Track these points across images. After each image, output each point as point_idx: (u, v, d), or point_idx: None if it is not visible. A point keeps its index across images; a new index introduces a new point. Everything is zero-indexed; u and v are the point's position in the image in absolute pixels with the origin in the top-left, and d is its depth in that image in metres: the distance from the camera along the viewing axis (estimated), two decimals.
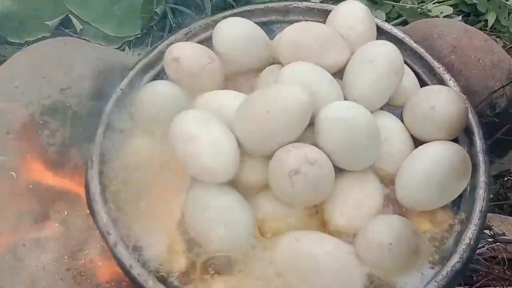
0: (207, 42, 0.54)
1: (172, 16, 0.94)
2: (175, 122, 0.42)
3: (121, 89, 0.49)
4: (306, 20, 0.56)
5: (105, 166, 0.45)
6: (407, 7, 0.94)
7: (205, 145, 0.41)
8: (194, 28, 0.55)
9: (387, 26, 0.55)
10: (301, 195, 0.40)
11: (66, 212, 0.53)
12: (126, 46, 1.00)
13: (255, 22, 0.54)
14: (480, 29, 0.97)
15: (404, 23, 0.94)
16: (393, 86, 0.47)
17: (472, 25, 0.96)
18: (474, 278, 0.65)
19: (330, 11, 0.55)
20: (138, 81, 0.51)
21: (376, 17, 0.95)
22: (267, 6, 0.57)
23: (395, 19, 0.96)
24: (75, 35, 1.01)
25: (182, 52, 0.49)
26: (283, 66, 0.49)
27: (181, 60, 0.49)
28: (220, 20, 0.53)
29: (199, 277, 0.40)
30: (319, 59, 0.48)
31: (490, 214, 0.67)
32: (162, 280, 0.39)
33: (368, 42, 0.49)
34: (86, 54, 0.55)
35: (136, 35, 0.99)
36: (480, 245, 0.66)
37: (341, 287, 0.38)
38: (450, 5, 0.96)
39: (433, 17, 0.91)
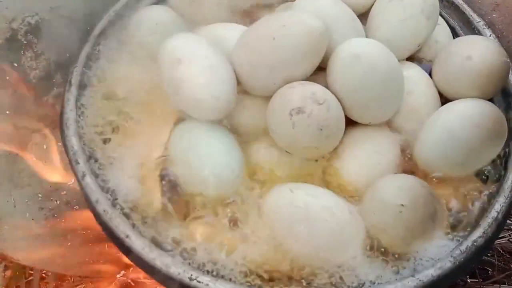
0: None
1: None
2: (165, 44, 0.37)
3: (114, 11, 0.44)
4: None
5: (85, 91, 0.40)
6: None
7: (196, 73, 0.35)
8: None
9: None
10: (302, 139, 0.34)
11: (44, 146, 0.48)
12: None
13: None
14: None
15: None
16: (424, 32, 0.40)
17: None
18: (490, 272, 0.59)
19: None
20: (135, 4, 0.45)
21: None
22: None
23: None
24: None
25: None
26: None
27: None
28: None
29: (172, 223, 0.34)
30: None
31: None
32: (132, 221, 0.34)
33: None
34: None
35: None
36: (500, 236, 0.60)
37: (335, 247, 0.32)
38: None
39: None
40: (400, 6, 0.39)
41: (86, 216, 0.46)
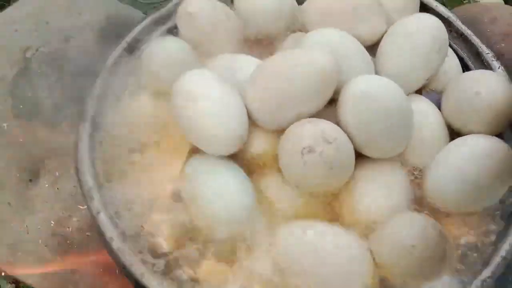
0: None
1: None
2: (178, 81, 0.37)
3: (127, 42, 0.45)
4: None
5: (100, 124, 0.41)
6: None
7: (209, 110, 0.36)
8: None
9: (432, 3, 0.49)
10: (313, 177, 0.35)
11: (57, 173, 0.48)
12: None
13: None
14: None
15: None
16: (434, 66, 0.41)
17: None
18: None
19: None
20: (147, 35, 0.46)
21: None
22: None
23: None
24: None
25: (198, 6, 0.44)
26: None
27: (195, 16, 0.43)
28: None
29: (185, 258, 0.35)
30: (351, 30, 0.42)
31: None
32: (143, 258, 0.34)
33: (409, 14, 0.43)
34: (96, 3, 0.50)
35: (162, 1, 0.95)
36: None
37: (344, 286, 0.33)
38: None
39: None
40: (410, 40, 0.40)
41: (98, 242, 0.47)
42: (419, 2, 0.47)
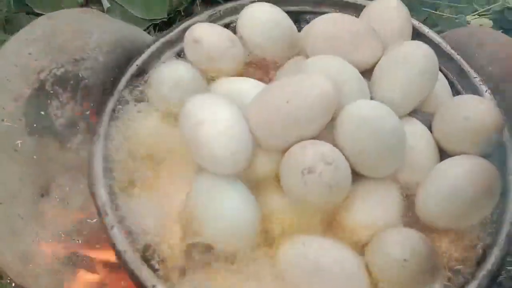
0: (233, 26, 0.51)
1: (200, 2, 0.92)
2: (185, 105, 0.40)
3: (137, 65, 0.47)
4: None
5: (111, 143, 0.43)
6: (444, 16, 0.91)
7: (216, 133, 0.38)
8: (220, 11, 0.52)
9: (424, 29, 0.52)
10: (313, 196, 0.37)
11: (67, 188, 0.51)
12: (152, 29, 0.99)
13: (285, 11, 0.51)
14: None
15: (439, 33, 0.91)
16: (425, 90, 0.44)
17: None
18: None
19: (364, 6, 0.52)
20: (156, 59, 0.49)
21: None
22: None
23: (431, 27, 0.92)
24: (102, 12, 0.99)
25: (203, 33, 0.47)
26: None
27: (201, 42, 0.46)
28: (248, 4, 0.50)
29: (193, 270, 0.37)
30: (349, 55, 0.45)
31: None
32: (155, 268, 0.37)
33: (403, 41, 0.46)
34: (105, 26, 0.53)
35: (163, 18, 0.98)
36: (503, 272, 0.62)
37: None
38: (490, 19, 0.92)
39: None
40: (403, 67, 0.43)
41: (106, 254, 0.49)
42: (411, 29, 0.50)
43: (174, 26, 0.50)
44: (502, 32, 0.90)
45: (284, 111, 0.38)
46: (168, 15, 0.96)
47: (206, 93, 0.42)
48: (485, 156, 0.42)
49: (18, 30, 1.01)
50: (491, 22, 0.87)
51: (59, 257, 0.51)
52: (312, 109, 0.38)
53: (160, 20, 0.97)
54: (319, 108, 0.38)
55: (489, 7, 0.93)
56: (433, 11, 0.93)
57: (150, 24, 0.98)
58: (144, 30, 0.99)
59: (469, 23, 0.88)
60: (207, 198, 0.39)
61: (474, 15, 0.92)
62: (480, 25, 0.86)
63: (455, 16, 0.90)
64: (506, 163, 0.43)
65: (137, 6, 0.99)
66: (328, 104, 0.38)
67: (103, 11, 0.99)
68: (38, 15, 1.00)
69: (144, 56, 0.48)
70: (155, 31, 1.00)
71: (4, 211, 0.50)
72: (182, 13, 0.96)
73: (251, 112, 0.40)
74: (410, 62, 0.43)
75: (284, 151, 0.39)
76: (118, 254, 0.38)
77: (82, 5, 0.99)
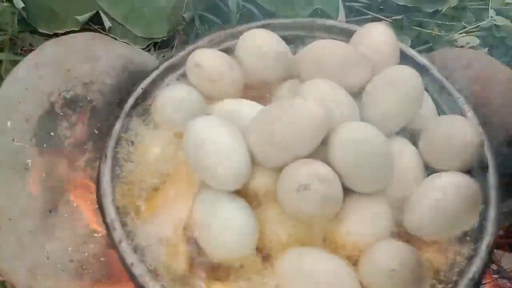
0: (231, 51, 0.55)
1: (199, 22, 0.95)
2: (189, 126, 0.43)
3: (142, 88, 0.50)
4: (331, 38, 0.57)
5: (119, 162, 0.46)
6: (433, 34, 0.94)
7: (217, 152, 0.41)
8: (219, 36, 0.55)
9: (411, 52, 0.55)
10: (308, 211, 0.40)
11: (75, 204, 0.53)
12: (152, 47, 1.02)
13: (280, 36, 0.54)
14: (507, 63, 0.96)
15: (430, 50, 0.94)
16: (411, 112, 0.47)
17: (499, 58, 0.95)
18: None
19: (355, 31, 0.55)
20: (160, 81, 0.52)
21: (401, 42, 0.95)
22: (294, 21, 0.57)
23: (421, 45, 0.96)
24: (103, 32, 1.03)
25: (204, 58, 0.50)
26: (303, 81, 0.50)
27: (202, 66, 0.49)
28: (246, 30, 0.54)
29: (197, 282, 0.40)
30: (340, 78, 0.48)
31: (499, 251, 0.66)
32: (162, 281, 0.39)
33: (391, 65, 0.50)
34: (112, 51, 0.56)
35: (162, 37, 1.01)
36: (485, 282, 0.65)
37: None
38: (478, 37, 0.96)
39: (459, 47, 0.91)
40: (390, 91, 0.46)
41: (112, 267, 0.52)
42: (399, 52, 0.53)
43: (177, 50, 0.53)
44: (488, 49, 0.94)
45: (280, 134, 0.41)
46: (167, 34, 1.00)
47: (207, 115, 0.45)
48: (467, 172, 0.45)
49: (22, 50, 1.04)
50: (477, 40, 0.90)
51: (67, 270, 0.54)
52: (305, 132, 0.41)
53: (160, 39, 1.00)
54: (311, 131, 0.41)
55: (477, 24, 0.97)
56: (423, 29, 0.97)
57: (150, 42, 1.01)
58: (144, 48, 1.02)
59: (456, 41, 0.92)
60: (209, 213, 0.42)
61: (461, 33, 0.96)
62: (467, 43, 0.89)
63: (444, 34, 0.93)
64: (487, 178, 0.46)
65: (137, 26, 1.02)
66: (320, 128, 0.41)
67: (104, 30, 1.03)
68: (41, 34, 1.04)
69: (148, 79, 0.51)
70: (155, 49, 1.03)
71: (14, 226, 0.53)
72: (181, 32, 0.99)
73: (250, 133, 0.43)
74: (397, 86, 0.46)
75: (281, 169, 0.42)
76: (126, 267, 0.40)
77: (84, 24, 1.02)
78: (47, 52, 0.55)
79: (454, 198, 0.42)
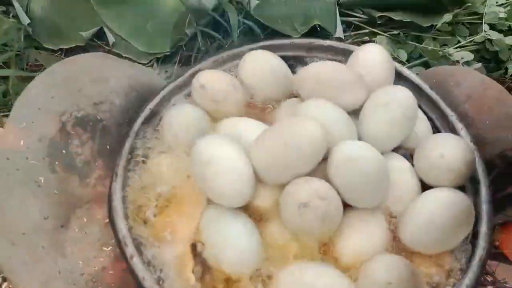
0: (234, 70, 0.57)
1: (201, 38, 0.98)
2: (196, 146, 0.45)
3: (150, 108, 0.53)
4: (328, 58, 0.60)
5: (129, 180, 0.48)
6: (429, 48, 0.97)
7: (223, 170, 0.44)
8: (222, 57, 0.58)
9: (406, 71, 0.58)
10: (309, 227, 0.43)
11: (85, 219, 0.56)
12: (155, 62, 1.05)
13: (280, 56, 0.57)
14: (500, 76, 0.99)
15: (425, 63, 0.97)
16: (406, 130, 0.49)
17: (492, 72, 0.98)
18: None
19: (351, 51, 0.58)
20: (167, 102, 0.54)
21: (398, 56, 0.98)
22: (292, 42, 0.60)
23: (417, 59, 0.99)
24: (107, 47, 1.06)
25: (209, 79, 0.53)
26: (302, 100, 0.52)
27: (207, 88, 0.52)
28: (247, 51, 0.56)
29: None
30: (337, 98, 0.50)
31: (494, 262, 0.68)
32: None
33: (386, 85, 0.52)
34: (120, 71, 0.58)
35: (165, 52, 1.03)
36: None
37: None
38: (472, 51, 0.98)
39: (454, 61, 0.94)
40: (386, 110, 0.48)
41: (121, 281, 0.54)
42: (394, 72, 0.56)
43: (181, 70, 0.56)
44: (483, 63, 0.97)
45: (282, 153, 0.44)
46: (170, 49, 1.02)
47: (213, 135, 0.47)
48: (460, 187, 0.47)
49: (28, 65, 1.06)
50: (472, 55, 0.93)
51: (78, 284, 0.56)
52: (305, 151, 0.43)
53: (163, 54, 1.03)
54: (311, 151, 0.43)
55: (471, 39, 1.00)
56: (419, 43, 0.99)
57: (153, 57, 1.04)
58: (148, 63, 1.05)
59: (451, 56, 0.95)
60: (215, 228, 0.44)
61: (456, 48, 0.98)
62: (462, 58, 0.92)
63: (439, 49, 0.96)
64: (479, 193, 0.48)
65: (141, 41, 1.05)
66: (319, 147, 0.44)
67: (108, 45, 1.05)
68: (46, 49, 1.06)
69: (156, 99, 0.53)
70: (157, 64, 1.05)
71: (27, 241, 0.55)
72: (184, 48, 1.02)
73: (254, 152, 0.46)
74: (393, 106, 0.48)
75: (283, 185, 0.45)
76: (137, 281, 0.43)
77: (88, 40, 1.05)
78: (59, 73, 0.58)
79: (448, 214, 0.44)
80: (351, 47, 0.58)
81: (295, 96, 0.55)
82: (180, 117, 0.51)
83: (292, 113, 0.51)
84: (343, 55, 0.59)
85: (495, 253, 0.66)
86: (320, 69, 0.52)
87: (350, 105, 0.51)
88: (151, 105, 0.53)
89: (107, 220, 0.54)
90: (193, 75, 0.55)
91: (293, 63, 0.60)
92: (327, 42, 0.59)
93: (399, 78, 0.57)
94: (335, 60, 0.59)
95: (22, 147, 0.54)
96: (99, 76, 0.57)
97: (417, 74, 0.86)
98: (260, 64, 0.55)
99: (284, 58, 0.58)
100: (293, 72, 0.58)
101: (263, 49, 0.57)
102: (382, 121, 0.48)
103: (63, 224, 0.55)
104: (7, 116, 0.97)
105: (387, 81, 0.54)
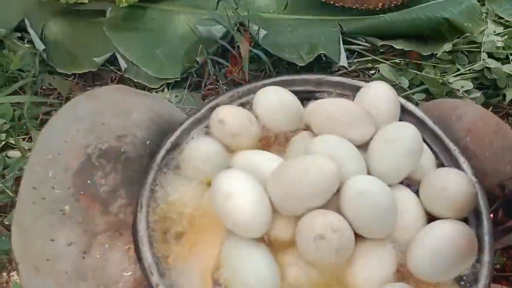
0: (249, 104, 0.61)
1: (211, 65, 1.02)
2: (216, 180, 0.48)
3: (171, 142, 0.56)
4: (337, 92, 0.63)
5: (153, 211, 0.52)
6: (429, 76, 1.01)
7: (242, 204, 0.47)
8: (238, 92, 0.61)
9: (410, 106, 0.61)
10: (324, 258, 0.46)
11: (106, 246, 0.58)
12: (165, 87, 1.09)
13: (292, 90, 0.61)
14: (498, 102, 1.03)
15: (426, 90, 1.01)
16: (412, 165, 0.53)
17: (491, 99, 1.02)
18: None
19: (359, 86, 0.61)
20: (186, 135, 0.58)
21: (400, 83, 1.01)
22: (303, 78, 0.63)
23: (418, 86, 1.03)
24: (119, 72, 1.09)
25: (227, 115, 0.56)
26: (314, 133, 0.56)
27: (225, 122, 0.56)
28: (261, 87, 0.60)
29: None
30: (347, 133, 0.54)
31: (497, 285, 0.71)
32: None
33: (392, 121, 0.56)
34: (141, 105, 0.61)
35: (176, 78, 1.07)
36: None
37: None
38: (471, 78, 1.02)
39: (454, 89, 0.97)
40: (393, 147, 0.52)
41: None
42: (399, 108, 0.59)
43: (201, 105, 0.59)
44: (482, 90, 1.01)
45: (297, 188, 0.47)
46: (180, 75, 1.06)
47: (232, 169, 0.51)
48: (464, 219, 0.51)
49: (42, 90, 1.10)
50: (471, 85, 0.97)
51: None
52: (320, 186, 0.47)
53: (173, 80, 1.07)
54: (326, 185, 0.47)
55: (470, 67, 1.04)
56: (419, 72, 1.03)
57: (164, 83, 1.07)
58: (158, 88, 1.08)
59: (451, 84, 0.98)
60: (235, 258, 0.47)
61: (456, 75, 1.02)
62: (462, 86, 0.96)
63: (439, 77, 1.00)
64: (481, 225, 0.51)
65: (152, 67, 1.09)
66: (333, 182, 0.47)
67: (120, 70, 1.09)
68: (60, 74, 1.10)
69: (177, 133, 0.57)
70: (168, 89, 1.09)
71: (52, 267, 0.58)
72: (194, 74, 1.06)
73: (271, 186, 0.49)
74: (399, 143, 0.52)
75: (299, 217, 0.48)
76: None
77: (101, 65, 1.09)
78: (83, 106, 0.61)
79: (452, 245, 0.47)
80: (359, 83, 0.62)
81: (306, 128, 0.59)
82: (200, 150, 0.54)
83: (304, 147, 0.54)
84: (350, 90, 0.62)
85: (495, 275, 0.69)
86: (330, 106, 0.56)
87: (358, 140, 0.54)
88: (172, 139, 0.56)
89: (127, 247, 0.57)
90: (211, 109, 0.58)
91: (304, 96, 0.63)
92: (336, 78, 0.63)
93: (404, 112, 0.60)
94: (343, 94, 0.63)
95: (49, 177, 0.57)
96: (122, 110, 0.60)
97: (418, 104, 0.91)
98: (273, 99, 0.58)
99: (295, 92, 0.61)
100: (304, 104, 0.61)
101: (275, 84, 0.61)
102: (389, 157, 0.52)
103: (86, 250, 0.58)
104: (23, 139, 1.00)
105: (393, 116, 0.57)
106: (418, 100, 0.98)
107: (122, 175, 0.58)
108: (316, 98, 0.62)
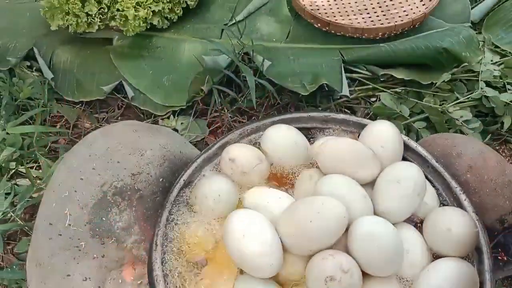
0: (257, 141, 0.63)
1: (217, 95, 1.04)
2: (228, 221, 0.51)
3: (183, 180, 0.58)
4: (342, 129, 0.66)
5: (166, 247, 0.53)
6: (429, 105, 1.03)
7: (254, 245, 0.49)
8: (247, 130, 0.64)
9: (412, 144, 0.63)
10: None
11: (120, 280, 0.60)
12: (171, 115, 1.11)
13: (298, 128, 0.63)
14: (497, 129, 1.05)
15: (426, 119, 1.03)
16: (416, 204, 0.55)
17: (489, 126, 1.04)
18: None
19: (363, 124, 0.64)
20: (198, 172, 0.60)
21: (400, 111, 1.04)
22: (309, 115, 0.66)
23: (418, 114, 1.05)
24: (126, 100, 1.12)
25: (237, 153, 0.58)
26: (321, 171, 0.58)
27: (236, 161, 0.58)
28: (269, 124, 0.63)
29: None
30: (353, 172, 0.56)
31: None
32: None
33: (397, 159, 0.58)
34: (154, 143, 0.64)
35: (181, 106, 1.09)
36: None
37: None
38: (470, 106, 1.05)
39: (454, 119, 1.00)
40: (397, 187, 0.54)
41: None
42: (403, 146, 0.62)
43: (211, 145, 0.62)
44: (480, 118, 1.03)
45: (308, 229, 0.49)
46: (186, 103, 1.08)
47: (243, 210, 0.53)
48: (466, 257, 0.53)
49: (49, 117, 1.11)
50: (470, 114, 0.99)
51: None
52: (330, 227, 0.49)
53: (179, 107, 1.09)
54: (335, 227, 0.49)
55: (468, 96, 1.07)
56: (419, 100, 1.06)
57: (170, 110, 1.09)
58: (164, 115, 1.10)
59: (451, 113, 1.01)
60: None
61: (455, 104, 1.05)
62: (461, 116, 0.98)
63: (439, 106, 1.02)
64: (482, 262, 0.54)
65: (158, 95, 1.10)
66: (342, 223, 0.49)
67: (127, 98, 1.11)
68: (68, 101, 1.12)
69: (189, 171, 0.59)
70: (174, 117, 1.11)
71: None
72: (200, 103, 1.08)
73: (281, 226, 0.51)
74: (404, 183, 0.54)
75: (309, 257, 0.50)
76: None
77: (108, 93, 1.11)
78: (97, 144, 0.63)
79: (456, 281, 0.49)
80: (363, 120, 0.64)
81: (313, 163, 0.61)
82: (213, 189, 0.56)
83: (313, 186, 0.56)
84: (354, 127, 0.65)
85: None
86: (337, 145, 0.58)
87: (363, 179, 0.57)
88: (184, 177, 0.58)
89: (140, 281, 0.58)
90: (221, 147, 0.60)
91: (310, 133, 0.65)
92: (341, 116, 0.65)
93: (407, 149, 0.63)
94: (347, 131, 0.65)
95: (65, 214, 0.59)
96: (136, 148, 0.62)
97: (418, 132, 0.93)
98: (281, 136, 0.61)
99: (301, 129, 0.64)
100: (310, 140, 0.64)
101: (283, 122, 0.63)
102: (394, 197, 0.54)
103: (100, 284, 0.60)
104: (32, 167, 1.02)
105: (397, 154, 0.60)
106: (419, 128, 1.00)
107: (136, 212, 0.60)
108: (322, 134, 0.65)
